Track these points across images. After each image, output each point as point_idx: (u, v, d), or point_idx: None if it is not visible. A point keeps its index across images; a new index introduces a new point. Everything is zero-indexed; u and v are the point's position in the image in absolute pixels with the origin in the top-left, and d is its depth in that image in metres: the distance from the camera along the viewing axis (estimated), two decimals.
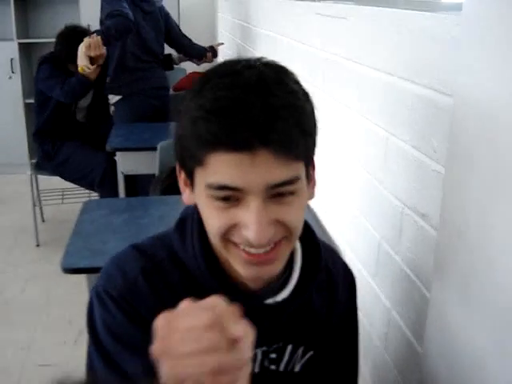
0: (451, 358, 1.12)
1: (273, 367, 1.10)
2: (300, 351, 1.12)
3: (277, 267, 0.96)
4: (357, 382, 1.26)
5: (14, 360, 2.87)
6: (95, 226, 1.99)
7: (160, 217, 2.09)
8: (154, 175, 3.03)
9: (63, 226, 4.24)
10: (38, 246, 4.10)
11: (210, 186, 0.87)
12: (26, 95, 5.54)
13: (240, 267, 0.94)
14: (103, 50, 3.58)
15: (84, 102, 4.10)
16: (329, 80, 1.96)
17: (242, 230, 0.88)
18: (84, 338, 2.96)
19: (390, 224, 1.44)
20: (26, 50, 5.66)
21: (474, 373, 1.04)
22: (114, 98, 3.90)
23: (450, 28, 1.14)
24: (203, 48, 4.36)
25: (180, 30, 4.31)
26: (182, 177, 0.97)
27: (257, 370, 1.09)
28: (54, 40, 4.00)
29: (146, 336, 0.95)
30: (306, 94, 0.91)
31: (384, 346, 1.53)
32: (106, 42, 3.58)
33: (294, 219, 0.92)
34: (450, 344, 1.12)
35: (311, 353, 1.13)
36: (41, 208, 4.41)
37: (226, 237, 0.91)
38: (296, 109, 0.86)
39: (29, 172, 4.08)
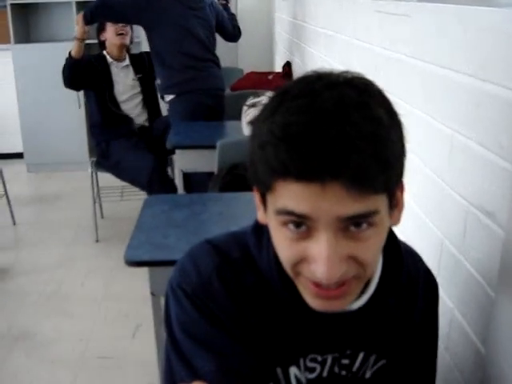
0: None
1: (343, 373, 1.08)
2: (372, 359, 1.09)
3: (347, 302, 0.91)
4: None
5: (72, 351, 2.95)
6: (156, 220, 2.03)
7: (219, 213, 2.11)
8: (209, 174, 3.07)
9: (122, 222, 4.34)
10: (97, 241, 4.20)
11: (279, 212, 0.83)
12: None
13: (308, 298, 0.91)
14: (83, 27, 3.83)
15: (122, 95, 4.24)
16: (391, 78, 1.94)
17: (311, 265, 0.84)
18: (141, 332, 3.05)
19: (454, 223, 1.42)
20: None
21: None
22: (168, 97, 3.94)
23: None
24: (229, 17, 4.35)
25: (231, 23, 4.29)
26: (257, 195, 0.93)
27: (325, 374, 1.07)
28: None
29: (219, 334, 0.96)
30: (392, 118, 0.84)
31: (445, 345, 1.51)
32: (85, 19, 3.82)
33: (370, 256, 0.86)
34: None
35: (384, 361, 1.10)
36: (100, 205, 4.51)
37: (295, 268, 0.88)
38: (376, 138, 0.78)
39: (89, 169, 4.17)
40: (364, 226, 0.82)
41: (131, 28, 4.22)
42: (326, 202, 0.78)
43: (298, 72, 4.45)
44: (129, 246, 1.82)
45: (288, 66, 4.77)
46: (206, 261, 1.01)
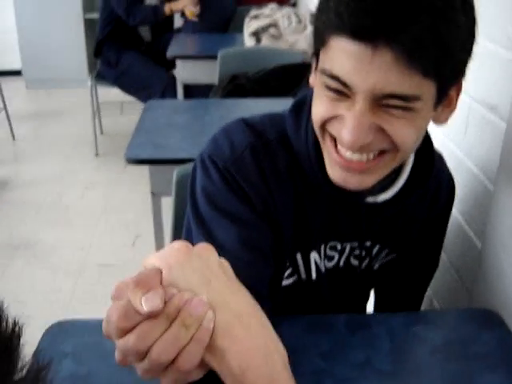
0: None
1: (355, 263, 1.11)
2: (384, 252, 1.12)
3: (368, 181, 0.91)
4: (425, 292, 1.28)
5: (73, 259, 2.99)
6: (158, 123, 2.02)
7: (221, 116, 2.11)
8: (211, 87, 3.05)
9: (121, 137, 4.32)
10: (96, 155, 4.20)
11: (324, 72, 0.83)
12: (85, 11, 5.56)
13: (329, 166, 0.92)
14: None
15: None
16: None
17: (340, 125, 0.84)
18: (141, 242, 3.07)
19: (456, 121, 1.42)
20: None
21: None
22: None
23: None
24: None
25: None
26: (314, 62, 0.91)
27: (342, 264, 1.10)
28: None
29: (244, 208, 0.96)
30: (465, 7, 0.78)
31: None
32: None
33: (402, 134, 0.83)
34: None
35: (394, 255, 1.14)
36: (100, 120, 4.49)
37: (325, 127, 0.88)
38: (441, 15, 0.74)
39: (89, 83, 4.13)
40: (400, 106, 0.81)
41: None
42: (373, 71, 0.77)
43: None
44: (129, 145, 1.82)
45: None
46: (241, 137, 1.00)
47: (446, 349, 1.02)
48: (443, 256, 1.51)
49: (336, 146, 0.88)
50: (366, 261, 1.12)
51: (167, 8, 3.87)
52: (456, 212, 1.43)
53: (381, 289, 1.27)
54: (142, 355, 0.59)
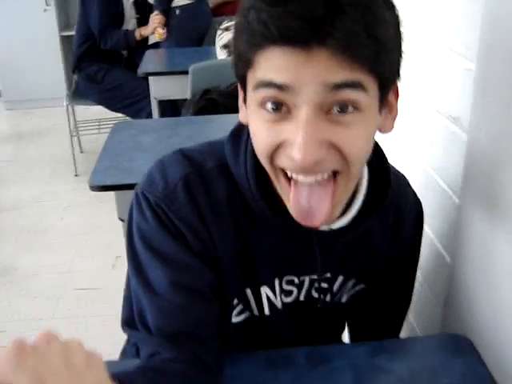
0: (481, 265, 1.08)
1: (317, 296, 1.04)
2: (350, 283, 1.06)
3: (331, 211, 0.84)
4: (405, 317, 1.22)
5: (53, 284, 2.94)
6: (124, 145, 1.98)
7: (189, 136, 2.06)
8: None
9: None
10: (76, 175, 4.17)
11: (257, 86, 0.76)
12: (61, 28, 5.53)
13: (289, 204, 0.84)
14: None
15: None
16: None
17: (288, 148, 0.77)
18: (121, 263, 3.01)
19: (421, 133, 1.38)
20: None
21: (504, 278, 1.00)
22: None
23: None
24: None
25: None
26: (241, 94, 0.87)
27: (302, 298, 1.03)
28: None
29: (177, 248, 0.90)
30: (389, 4, 0.77)
31: None
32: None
33: (352, 145, 0.78)
34: (479, 249, 1.09)
35: (362, 286, 1.07)
36: (78, 138, 4.45)
37: (273, 162, 0.82)
38: (367, 10, 0.71)
39: (65, 102, 4.08)
40: (349, 109, 0.75)
41: None
42: (311, 69, 0.72)
43: None
44: (94, 170, 1.79)
45: None
46: (176, 170, 0.93)
47: (412, 380, 0.97)
48: (418, 273, 1.47)
49: (290, 177, 0.82)
50: (330, 293, 1.05)
51: (137, 33, 3.91)
52: (426, 227, 1.39)
53: (354, 321, 1.20)
54: None
